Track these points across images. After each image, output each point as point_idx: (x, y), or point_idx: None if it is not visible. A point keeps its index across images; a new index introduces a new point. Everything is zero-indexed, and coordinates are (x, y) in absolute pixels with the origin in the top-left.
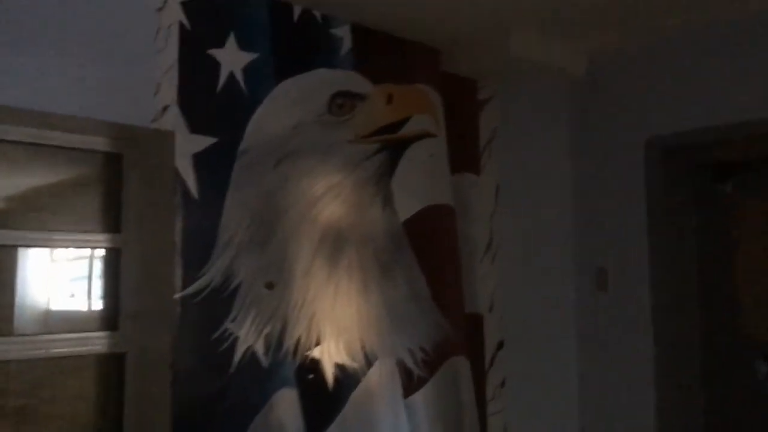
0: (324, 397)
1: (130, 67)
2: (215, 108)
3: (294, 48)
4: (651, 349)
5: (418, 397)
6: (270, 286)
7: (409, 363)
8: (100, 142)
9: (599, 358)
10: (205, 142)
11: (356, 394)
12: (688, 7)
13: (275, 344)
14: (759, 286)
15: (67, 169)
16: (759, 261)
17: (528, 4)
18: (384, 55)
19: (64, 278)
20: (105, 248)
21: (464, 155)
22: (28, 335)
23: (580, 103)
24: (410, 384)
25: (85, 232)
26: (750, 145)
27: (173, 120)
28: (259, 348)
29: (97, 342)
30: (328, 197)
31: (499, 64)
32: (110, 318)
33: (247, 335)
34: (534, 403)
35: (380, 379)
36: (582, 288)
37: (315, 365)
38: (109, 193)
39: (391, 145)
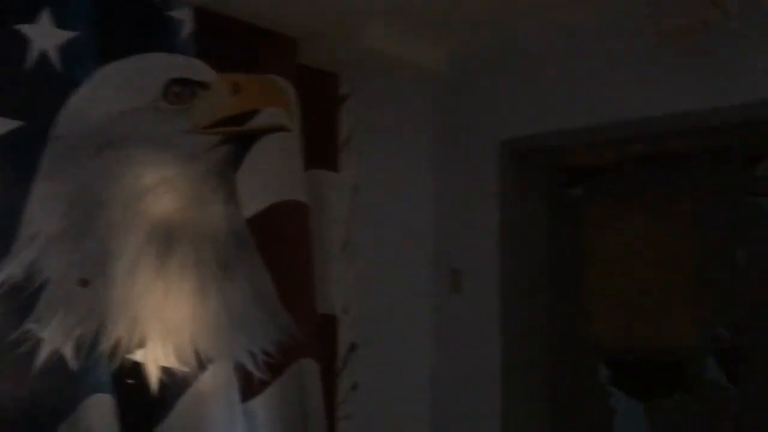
0: (146, 403)
1: None
2: (21, 89)
3: (123, 28)
4: (499, 353)
5: (259, 401)
6: (84, 283)
7: (250, 366)
8: None
9: (452, 361)
10: (7, 125)
11: (185, 400)
12: (546, 10)
13: (88, 347)
14: (607, 291)
15: None
16: (608, 267)
17: None
18: (231, 42)
19: None
20: None
21: (322, 151)
22: None
23: (441, 102)
24: (250, 388)
25: None
26: (600, 150)
27: None
28: (68, 351)
29: None
30: (160, 190)
31: (354, 56)
32: None
33: (54, 337)
34: (385, 407)
35: (214, 383)
36: (437, 290)
37: (136, 369)
38: None
39: (237, 138)
